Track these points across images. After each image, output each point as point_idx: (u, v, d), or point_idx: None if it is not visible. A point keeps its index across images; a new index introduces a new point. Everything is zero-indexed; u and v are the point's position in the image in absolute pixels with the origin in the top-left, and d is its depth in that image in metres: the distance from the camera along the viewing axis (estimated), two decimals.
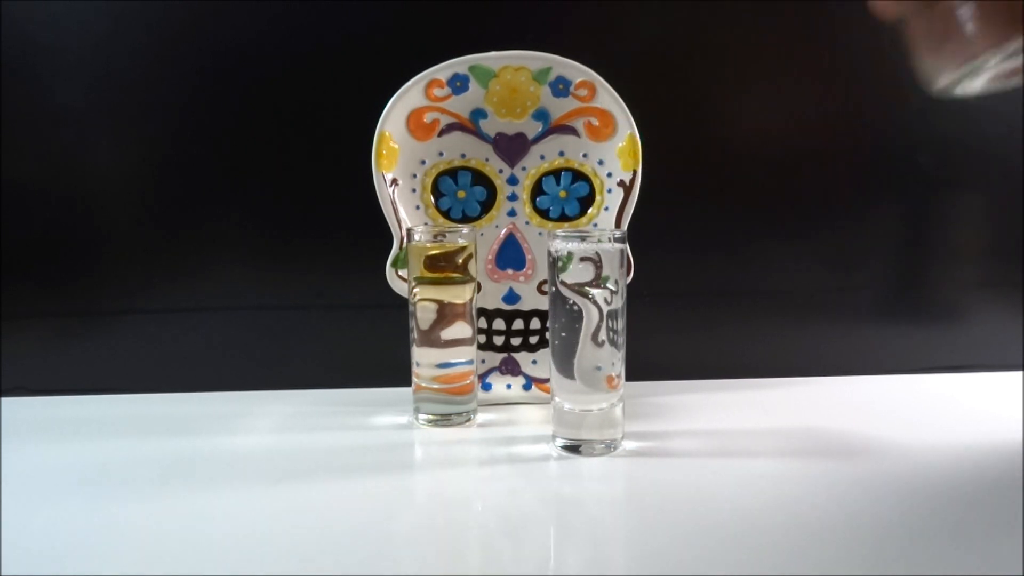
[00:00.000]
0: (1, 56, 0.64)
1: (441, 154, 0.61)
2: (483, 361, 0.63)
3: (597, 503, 0.47)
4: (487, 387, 0.63)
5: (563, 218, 0.62)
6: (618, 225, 0.60)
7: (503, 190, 0.62)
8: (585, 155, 0.61)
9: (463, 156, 0.61)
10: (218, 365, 0.68)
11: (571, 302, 0.51)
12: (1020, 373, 0.69)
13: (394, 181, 0.60)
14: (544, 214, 0.62)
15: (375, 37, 0.65)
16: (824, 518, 0.43)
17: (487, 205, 0.62)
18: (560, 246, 0.51)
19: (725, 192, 0.68)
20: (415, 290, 0.57)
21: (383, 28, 0.65)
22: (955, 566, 0.38)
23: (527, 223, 0.62)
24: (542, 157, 0.61)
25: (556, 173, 0.61)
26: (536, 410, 0.61)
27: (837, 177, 0.69)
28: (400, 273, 0.60)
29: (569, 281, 0.51)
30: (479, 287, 0.62)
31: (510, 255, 0.63)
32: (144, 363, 0.68)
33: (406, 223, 0.60)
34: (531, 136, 0.61)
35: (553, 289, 0.52)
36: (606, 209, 0.61)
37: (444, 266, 0.57)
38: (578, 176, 0.61)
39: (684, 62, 0.66)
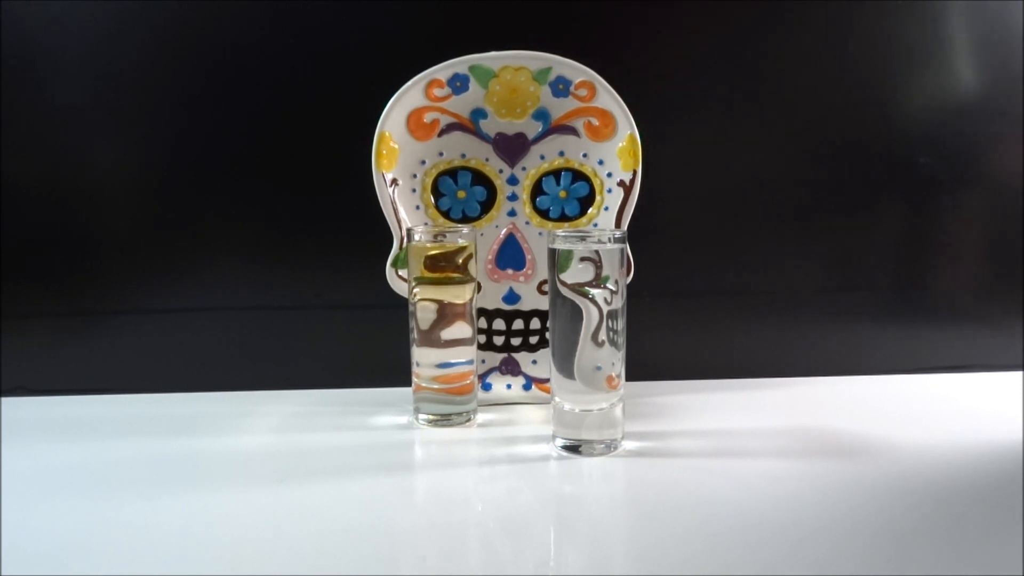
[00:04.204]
0: (1, 56, 0.64)
1: (441, 154, 0.61)
2: (483, 361, 0.63)
3: (597, 503, 0.47)
4: (487, 387, 0.63)
5: (563, 218, 0.62)
6: (618, 225, 0.60)
7: (503, 190, 0.62)
8: (585, 155, 0.61)
9: (463, 156, 0.61)
10: (218, 365, 0.68)
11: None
12: (1020, 373, 0.69)
13: (394, 181, 0.60)
14: (544, 214, 0.62)
15: (375, 37, 0.65)
16: (824, 518, 0.43)
17: (487, 205, 0.62)
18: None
19: (725, 192, 0.68)
20: (415, 290, 0.57)
21: (383, 28, 0.65)
22: (955, 566, 0.38)
23: (527, 223, 0.62)
24: (542, 157, 0.61)
25: (556, 173, 0.61)
26: (536, 410, 0.61)
27: (837, 177, 0.69)
28: (400, 273, 0.60)
29: (569, 281, 0.51)
30: (479, 287, 0.62)
31: (510, 255, 0.63)
32: (144, 363, 0.68)
33: (406, 223, 0.60)
34: (531, 136, 0.61)
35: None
36: (606, 209, 0.61)
37: (444, 266, 0.57)
38: (578, 176, 0.61)
39: (684, 62, 0.66)
